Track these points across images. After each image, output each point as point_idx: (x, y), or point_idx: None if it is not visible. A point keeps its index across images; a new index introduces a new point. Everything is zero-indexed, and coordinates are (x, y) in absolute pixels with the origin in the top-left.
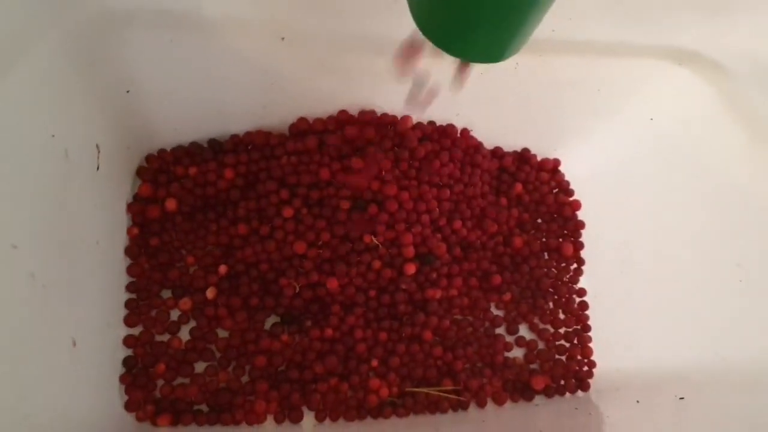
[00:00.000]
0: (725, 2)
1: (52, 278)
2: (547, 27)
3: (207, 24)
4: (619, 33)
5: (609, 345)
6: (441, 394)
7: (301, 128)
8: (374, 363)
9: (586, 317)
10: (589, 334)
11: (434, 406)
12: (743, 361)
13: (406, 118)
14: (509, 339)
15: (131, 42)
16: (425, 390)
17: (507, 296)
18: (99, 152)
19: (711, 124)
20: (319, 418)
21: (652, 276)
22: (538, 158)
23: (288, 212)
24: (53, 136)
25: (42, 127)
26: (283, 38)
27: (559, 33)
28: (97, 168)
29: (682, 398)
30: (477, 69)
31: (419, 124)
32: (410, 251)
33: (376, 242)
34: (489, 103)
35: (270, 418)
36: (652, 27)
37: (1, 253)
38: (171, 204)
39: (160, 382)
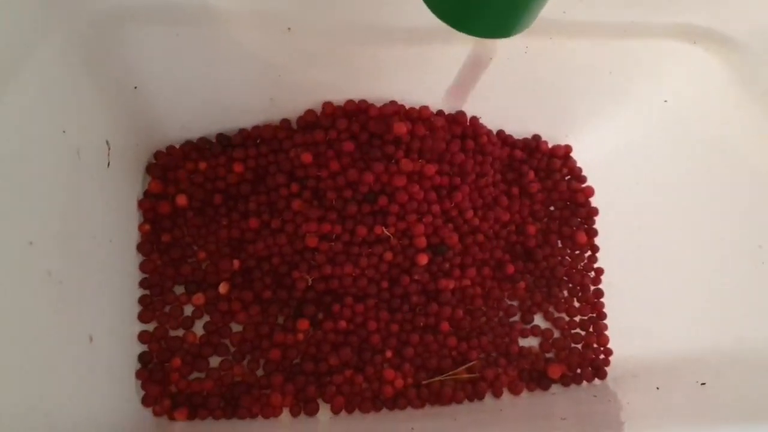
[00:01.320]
0: None
1: (68, 275)
2: (557, 8)
3: (212, 17)
4: (631, 13)
5: (625, 332)
6: (456, 377)
7: (309, 120)
8: (388, 354)
9: (602, 305)
10: (605, 321)
11: (450, 396)
12: (764, 345)
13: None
14: (524, 328)
15: (138, 38)
16: (440, 378)
17: (521, 285)
18: (109, 149)
19: (727, 104)
20: (335, 410)
21: (669, 261)
22: (549, 145)
23: (297, 205)
24: (64, 132)
25: (53, 125)
26: (289, 29)
27: (569, 14)
28: (108, 165)
29: (704, 383)
30: (486, 54)
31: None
32: (422, 242)
33: (388, 233)
34: (498, 90)
35: (286, 411)
36: (664, 5)
37: (19, 251)
38: (181, 200)
39: (176, 377)
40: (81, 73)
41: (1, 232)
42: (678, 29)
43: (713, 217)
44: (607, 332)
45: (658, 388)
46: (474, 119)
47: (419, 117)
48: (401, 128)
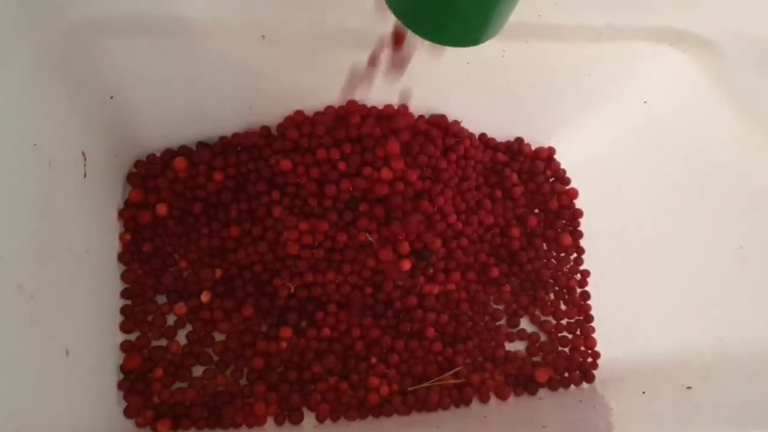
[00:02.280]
0: None
1: (40, 289)
2: (532, 12)
3: (186, 28)
4: (607, 16)
5: (612, 335)
6: (442, 383)
7: (288, 127)
8: (373, 361)
9: (588, 307)
10: (592, 324)
11: (436, 402)
12: (749, 347)
13: (402, 110)
14: (510, 332)
15: (112, 48)
16: (426, 384)
17: (506, 289)
18: (85, 160)
19: (705, 105)
20: (320, 419)
21: (653, 262)
22: (532, 147)
23: (278, 212)
24: (35, 145)
25: (23, 137)
26: (263, 36)
27: (545, 18)
28: (84, 175)
29: (689, 387)
30: (464, 58)
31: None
32: (405, 247)
33: (371, 239)
34: (477, 94)
35: (270, 420)
36: (640, 8)
37: None
38: (162, 209)
39: (159, 387)
40: (54, 83)
41: None
42: (655, 31)
43: (695, 218)
44: (594, 335)
45: (644, 392)
46: (455, 123)
47: (415, 130)
48: (394, 148)
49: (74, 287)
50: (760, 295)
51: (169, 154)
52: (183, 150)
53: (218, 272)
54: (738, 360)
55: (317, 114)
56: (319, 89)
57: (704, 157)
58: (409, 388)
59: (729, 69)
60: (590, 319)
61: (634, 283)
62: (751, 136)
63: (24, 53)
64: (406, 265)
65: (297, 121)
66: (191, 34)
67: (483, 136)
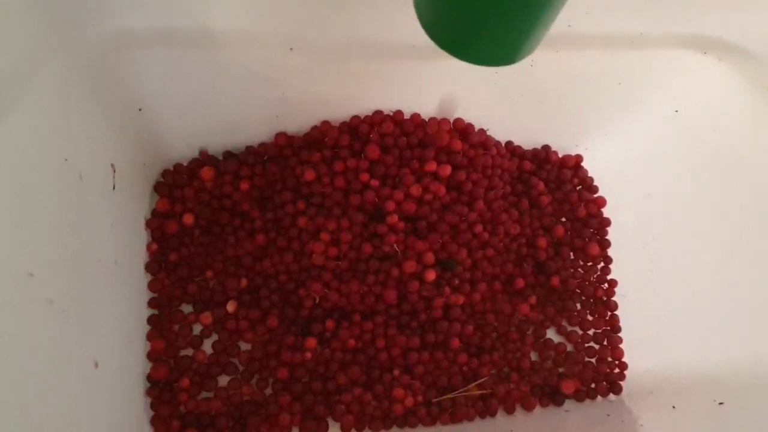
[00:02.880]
0: None
1: (70, 302)
2: (563, 22)
3: (213, 39)
4: (639, 24)
5: (641, 346)
6: (468, 394)
7: (315, 137)
8: (397, 372)
9: (616, 317)
10: (620, 335)
11: (462, 414)
12: None
13: (436, 120)
14: (536, 343)
15: (139, 61)
16: (451, 395)
17: (532, 299)
18: (114, 171)
19: (739, 114)
20: (345, 429)
21: (684, 273)
22: (560, 155)
23: (304, 222)
24: (66, 160)
25: (54, 152)
26: (291, 49)
27: (575, 28)
28: (113, 187)
29: (722, 403)
30: (492, 68)
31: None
32: (430, 257)
33: (397, 249)
34: (505, 102)
35: (295, 430)
36: (672, 15)
37: (18, 282)
38: (188, 218)
39: (185, 397)
40: (84, 97)
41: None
42: (687, 39)
43: (728, 229)
44: (621, 345)
45: (674, 407)
46: (482, 132)
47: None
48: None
49: (103, 298)
50: None
51: (196, 163)
52: (210, 160)
53: (244, 282)
54: None
55: (343, 124)
56: (347, 98)
57: (738, 168)
58: (434, 399)
59: (763, 77)
60: (618, 329)
61: (664, 294)
62: None
63: (53, 68)
64: (431, 275)
65: (323, 130)
66: (218, 46)
67: (509, 143)
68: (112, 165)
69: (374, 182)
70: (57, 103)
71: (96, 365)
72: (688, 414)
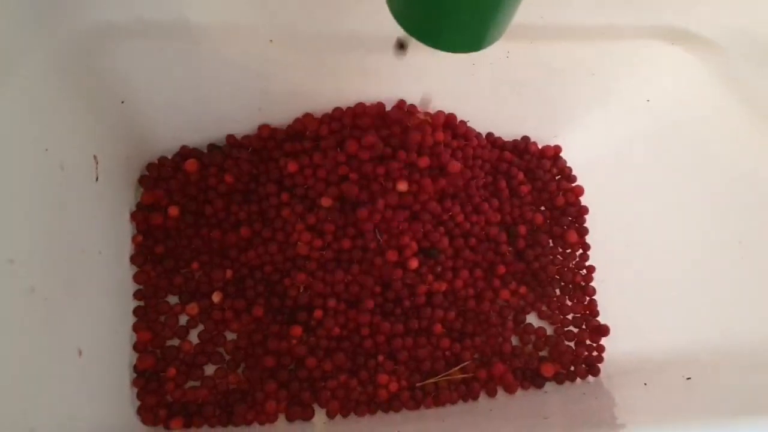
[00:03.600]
0: None
1: (53, 291)
2: (535, 14)
3: (194, 31)
4: (609, 15)
5: (618, 329)
6: (450, 378)
7: (298, 129)
8: (381, 358)
9: (594, 302)
10: (598, 318)
11: (445, 397)
12: (748, 339)
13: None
14: (517, 327)
15: (121, 53)
16: (434, 380)
17: (513, 285)
18: (97, 163)
19: (707, 102)
20: (330, 415)
21: (657, 258)
22: (539, 146)
23: (287, 214)
24: (47, 149)
25: (35, 142)
26: (271, 41)
27: (548, 19)
28: (96, 179)
29: (689, 378)
30: (469, 59)
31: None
32: (413, 248)
33: (378, 238)
34: (484, 94)
35: (281, 417)
36: (641, 7)
37: None
38: (173, 211)
39: (172, 386)
40: (65, 88)
41: None
42: (656, 30)
43: (698, 214)
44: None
45: (645, 384)
46: (462, 123)
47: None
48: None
49: (87, 288)
50: (758, 289)
51: (180, 156)
52: (194, 152)
53: (229, 273)
54: (736, 352)
55: (325, 115)
56: (328, 91)
57: (707, 154)
58: (418, 384)
59: (731, 67)
60: (596, 313)
61: (639, 278)
62: (753, 134)
63: (35, 59)
64: (414, 263)
65: (305, 122)
66: (199, 38)
67: (490, 135)
68: (95, 156)
69: (353, 175)
70: (37, 94)
71: (80, 353)
72: (659, 389)
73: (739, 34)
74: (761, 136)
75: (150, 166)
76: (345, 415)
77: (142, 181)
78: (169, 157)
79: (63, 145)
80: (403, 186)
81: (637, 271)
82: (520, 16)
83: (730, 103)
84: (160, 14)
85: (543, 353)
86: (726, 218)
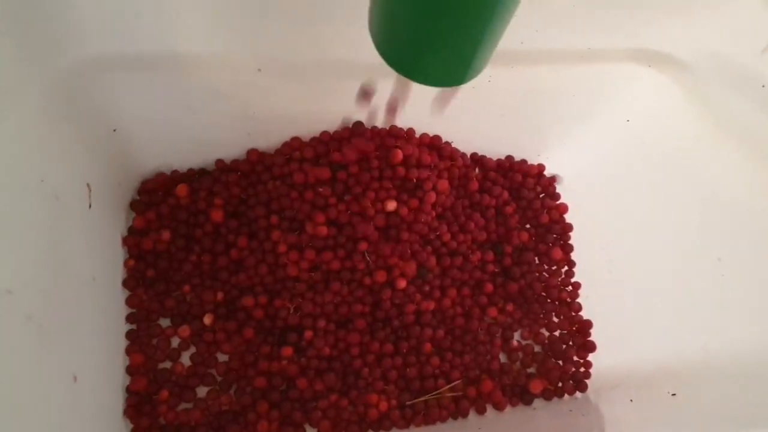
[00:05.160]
0: (682, 2)
1: (49, 318)
2: (515, 39)
3: (183, 62)
4: (587, 39)
5: (604, 345)
6: (440, 396)
7: (286, 153)
8: (371, 377)
9: (580, 318)
10: (584, 335)
11: (434, 416)
12: (729, 354)
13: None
14: (505, 345)
15: (112, 85)
16: (423, 398)
17: (500, 303)
18: (90, 191)
19: (682, 122)
20: None
21: (640, 274)
22: (523, 164)
23: (277, 236)
24: (42, 181)
25: (31, 173)
26: (259, 69)
27: (527, 44)
28: (90, 206)
29: (674, 394)
30: None
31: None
32: (411, 268)
33: (367, 258)
34: (468, 116)
35: None
36: (615, 31)
37: None
38: (165, 235)
39: (164, 409)
40: (59, 120)
41: None
42: (632, 53)
43: (677, 230)
44: (585, 345)
45: (631, 400)
46: (447, 144)
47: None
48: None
49: (81, 314)
50: (738, 304)
51: (171, 181)
52: (184, 177)
53: (220, 295)
54: (718, 366)
55: (313, 139)
56: (316, 114)
57: (686, 172)
58: (408, 402)
59: (703, 87)
60: (583, 330)
61: (623, 295)
62: (726, 151)
63: (29, 93)
64: (402, 283)
65: (294, 146)
66: (188, 68)
67: (474, 155)
68: (88, 185)
69: (332, 200)
70: (32, 127)
71: (75, 379)
72: (644, 405)
73: (709, 55)
74: (733, 152)
75: (141, 191)
76: None
77: (133, 205)
78: (160, 182)
79: (58, 175)
80: (391, 206)
81: (621, 287)
82: (501, 43)
83: (704, 122)
84: (149, 46)
85: (531, 370)
86: (706, 234)
